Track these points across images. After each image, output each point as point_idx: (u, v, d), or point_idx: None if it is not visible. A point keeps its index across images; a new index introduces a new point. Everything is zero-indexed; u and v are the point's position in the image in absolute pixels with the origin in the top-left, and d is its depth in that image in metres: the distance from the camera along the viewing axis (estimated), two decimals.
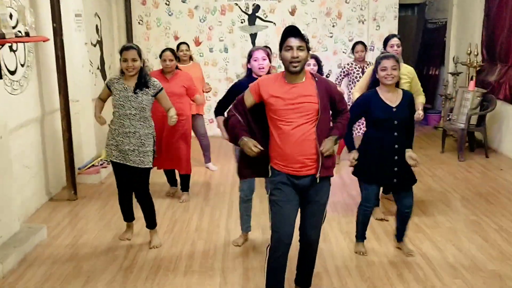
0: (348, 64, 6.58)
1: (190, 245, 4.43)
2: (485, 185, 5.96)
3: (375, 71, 3.86)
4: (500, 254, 4.16)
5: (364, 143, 4.00)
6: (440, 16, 9.86)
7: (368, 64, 6.55)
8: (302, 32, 3.01)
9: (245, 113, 3.16)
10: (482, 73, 7.79)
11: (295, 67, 2.97)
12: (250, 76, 4.10)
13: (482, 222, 4.84)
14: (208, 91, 6.77)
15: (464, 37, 8.54)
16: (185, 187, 5.60)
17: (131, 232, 4.57)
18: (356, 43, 6.66)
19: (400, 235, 4.24)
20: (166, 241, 4.53)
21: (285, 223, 3.08)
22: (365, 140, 4.00)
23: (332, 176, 3.22)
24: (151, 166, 4.28)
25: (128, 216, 4.53)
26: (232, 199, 5.56)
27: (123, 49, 4.10)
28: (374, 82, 3.92)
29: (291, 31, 3.00)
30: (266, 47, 4.76)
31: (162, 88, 4.23)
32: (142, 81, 4.11)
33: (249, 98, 3.16)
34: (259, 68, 4.02)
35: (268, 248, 3.15)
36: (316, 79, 3.10)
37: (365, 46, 6.62)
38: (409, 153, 3.89)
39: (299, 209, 3.22)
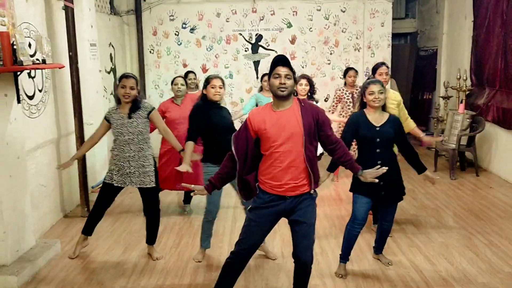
0: (339, 90, 6.53)
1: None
2: (476, 202, 5.91)
3: (362, 94, 3.90)
4: (490, 268, 4.10)
5: (357, 160, 3.98)
6: (431, 44, 9.92)
7: (357, 89, 6.56)
8: (291, 61, 3.10)
9: (247, 142, 3.11)
10: (471, 97, 7.79)
11: (282, 91, 3.01)
12: (205, 101, 4.16)
13: (473, 237, 4.79)
14: None
15: (454, 63, 8.57)
16: (189, 200, 5.74)
17: (80, 248, 4.48)
18: (349, 68, 6.66)
19: (379, 247, 4.24)
20: (173, 255, 4.50)
21: (251, 243, 3.19)
22: (357, 158, 4.00)
23: (316, 194, 3.20)
24: (153, 185, 4.26)
25: (90, 230, 4.46)
26: (235, 214, 5.53)
27: (123, 77, 4.11)
28: (362, 105, 3.95)
29: (280, 60, 3.06)
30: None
31: (153, 108, 4.23)
32: (136, 107, 4.12)
33: (249, 134, 3.12)
34: (214, 95, 4.10)
35: (230, 252, 3.26)
36: (302, 104, 3.11)
37: (356, 72, 6.61)
38: (426, 174, 3.96)
39: (291, 233, 3.21)
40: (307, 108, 3.11)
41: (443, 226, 5.12)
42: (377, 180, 3.33)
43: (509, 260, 4.24)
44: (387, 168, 3.37)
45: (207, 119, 4.09)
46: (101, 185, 6.20)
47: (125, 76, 4.12)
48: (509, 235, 4.79)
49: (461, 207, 5.73)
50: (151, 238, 4.44)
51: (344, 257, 4.03)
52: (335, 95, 6.55)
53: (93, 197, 5.97)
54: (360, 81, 6.91)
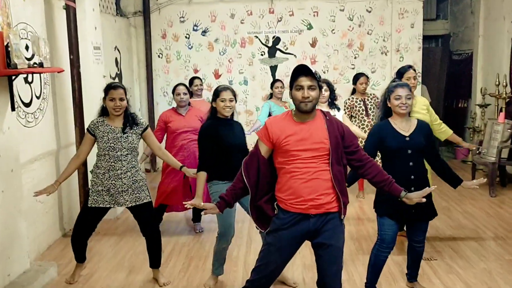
0: (349, 100, 6.38)
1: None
2: None
3: (386, 99, 3.70)
4: None
5: None
6: (466, 47, 9.69)
7: (369, 97, 6.40)
8: (313, 70, 2.94)
9: (258, 168, 2.99)
10: None
11: (306, 105, 2.89)
12: (214, 117, 3.98)
13: None
14: None
15: (492, 68, 8.32)
16: (199, 218, 5.60)
17: (79, 273, 4.35)
18: (360, 74, 6.51)
19: (413, 274, 4.00)
20: (182, 279, 4.33)
21: (269, 270, 3.03)
22: None
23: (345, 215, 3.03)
24: (150, 200, 4.12)
25: (82, 257, 4.26)
26: (250, 236, 5.35)
27: (110, 88, 3.94)
28: (385, 112, 3.74)
29: (301, 70, 2.90)
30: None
31: (148, 126, 4.12)
32: (130, 120, 3.99)
33: (263, 147, 3.00)
34: (224, 108, 3.90)
35: (246, 281, 3.13)
36: (327, 117, 2.99)
37: (367, 78, 6.46)
38: (464, 185, 3.75)
39: (315, 258, 3.05)
40: (332, 122, 2.98)
41: (484, 249, 4.88)
42: (424, 200, 3.13)
43: None
44: (435, 186, 3.17)
45: (217, 139, 3.89)
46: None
47: (112, 87, 3.95)
48: None
49: (503, 227, 5.48)
50: (155, 261, 4.26)
51: (371, 285, 3.81)
52: (345, 106, 6.37)
53: None
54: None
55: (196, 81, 6.38)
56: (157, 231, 4.20)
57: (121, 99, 3.92)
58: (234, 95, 3.99)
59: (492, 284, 4.12)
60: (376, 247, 3.75)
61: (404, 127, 3.66)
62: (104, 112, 4.02)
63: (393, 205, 3.55)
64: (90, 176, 4.16)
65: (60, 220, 5.43)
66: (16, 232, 4.11)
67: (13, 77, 3.93)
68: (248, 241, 5.20)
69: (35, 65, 4.00)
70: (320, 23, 8.56)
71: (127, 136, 3.96)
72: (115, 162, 3.95)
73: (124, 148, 3.95)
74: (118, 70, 7.61)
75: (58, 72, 4.67)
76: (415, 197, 3.11)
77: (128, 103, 4.02)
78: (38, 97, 4.95)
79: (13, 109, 4.02)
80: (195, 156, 5.10)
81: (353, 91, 6.54)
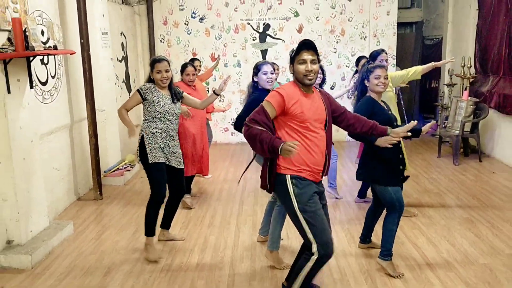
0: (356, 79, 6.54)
1: (203, 240, 4.40)
2: (478, 187, 5.83)
3: (364, 79, 3.73)
4: (491, 249, 4.05)
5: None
6: (436, 33, 9.78)
7: None
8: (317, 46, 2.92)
9: (267, 124, 2.79)
10: (476, 84, 7.67)
11: (310, 79, 2.82)
12: (258, 89, 3.97)
13: (475, 220, 4.73)
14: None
15: (459, 51, 8.44)
16: (188, 190, 5.48)
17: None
18: (361, 57, 6.62)
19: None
20: (182, 236, 4.49)
21: (329, 232, 2.88)
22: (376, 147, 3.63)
23: None
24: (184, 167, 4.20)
25: (153, 228, 4.07)
26: (242, 199, 5.52)
27: (156, 62, 3.93)
28: (362, 91, 3.79)
29: (306, 44, 2.82)
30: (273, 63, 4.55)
31: (183, 92, 4.16)
32: (176, 93, 4.03)
33: (272, 111, 2.81)
34: (267, 82, 3.87)
35: (316, 258, 2.82)
36: (317, 89, 3.02)
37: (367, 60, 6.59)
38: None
39: None
40: (322, 92, 3.03)
41: (446, 209, 5.06)
42: (410, 134, 3.17)
43: (511, 242, 4.18)
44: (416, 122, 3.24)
45: None
46: (114, 170, 6.31)
47: (157, 60, 3.94)
48: (511, 218, 4.73)
49: (464, 191, 5.67)
50: (169, 221, 4.37)
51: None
52: (355, 85, 6.52)
53: (105, 181, 6.03)
54: None
55: (196, 62, 6.41)
56: (183, 195, 4.29)
57: (167, 71, 3.92)
58: (274, 68, 3.98)
59: (449, 237, 4.32)
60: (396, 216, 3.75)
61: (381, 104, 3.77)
62: (150, 81, 4.02)
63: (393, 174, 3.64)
64: (144, 138, 3.96)
65: (75, 186, 5.57)
66: (36, 195, 4.25)
67: (31, 58, 4.02)
68: (240, 204, 5.36)
69: (50, 48, 4.08)
70: (306, 11, 8.60)
71: (176, 104, 4.02)
72: (170, 124, 3.98)
73: (175, 114, 4.00)
74: (124, 54, 7.66)
75: (70, 54, 4.75)
76: (401, 131, 3.16)
77: (172, 74, 4.02)
78: (53, 77, 5.04)
79: (31, 86, 4.12)
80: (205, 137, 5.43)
81: (356, 72, 6.67)
